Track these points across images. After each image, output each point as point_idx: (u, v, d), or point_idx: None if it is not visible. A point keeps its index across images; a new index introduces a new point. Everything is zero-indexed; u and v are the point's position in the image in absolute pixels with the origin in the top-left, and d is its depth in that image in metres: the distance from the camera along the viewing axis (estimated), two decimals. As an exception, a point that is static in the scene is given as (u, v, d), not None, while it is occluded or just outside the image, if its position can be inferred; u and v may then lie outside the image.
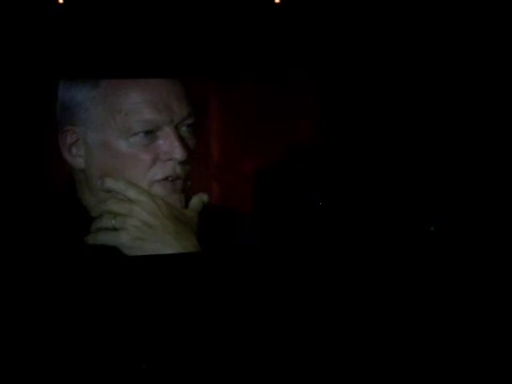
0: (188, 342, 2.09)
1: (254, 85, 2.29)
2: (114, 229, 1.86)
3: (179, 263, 1.99)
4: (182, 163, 1.89)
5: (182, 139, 1.88)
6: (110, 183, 1.89)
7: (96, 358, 1.99)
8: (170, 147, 1.88)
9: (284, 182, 2.36)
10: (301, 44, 2.30)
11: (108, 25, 2.05)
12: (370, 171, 2.47)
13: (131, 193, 1.87)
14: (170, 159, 1.89)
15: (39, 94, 1.98)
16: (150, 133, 1.86)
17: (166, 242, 1.89)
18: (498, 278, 2.39)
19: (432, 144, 2.53)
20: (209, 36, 2.16)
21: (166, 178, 1.90)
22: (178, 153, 1.87)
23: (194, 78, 2.10)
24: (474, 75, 2.49)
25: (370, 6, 2.34)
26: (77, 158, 1.88)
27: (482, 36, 2.45)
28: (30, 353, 1.95)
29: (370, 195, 2.46)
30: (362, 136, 2.49)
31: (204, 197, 1.98)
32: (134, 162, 1.89)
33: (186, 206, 1.95)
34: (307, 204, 2.38)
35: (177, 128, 1.88)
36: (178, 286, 2.08)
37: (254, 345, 2.14)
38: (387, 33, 2.41)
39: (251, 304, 2.17)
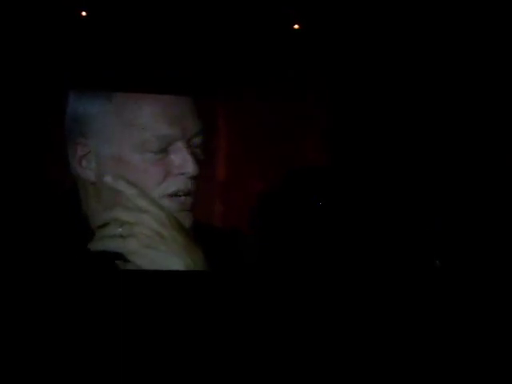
0: (187, 353, 2.12)
1: (261, 106, 2.31)
2: (121, 236, 1.87)
3: (179, 280, 2.01)
4: (194, 178, 1.90)
5: (194, 155, 1.89)
6: (122, 186, 1.88)
7: (96, 367, 2.02)
8: (182, 162, 1.87)
9: (287, 202, 2.37)
10: (315, 67, 2.32)
11: (125, 40, 2.08)
12: (376, 194, 2.48)
13: (143, 202, 1.87)
14: (182, 173, 1.89)
15: (49, 104, 2.00)
16: (164, 148, 1.87)
17: (175, 253, 1.87)
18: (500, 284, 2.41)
19: (434, 158, 2.53)
20: (225, 57, 2.19)
21: (176, 193, 1.91)
22: (190, 167, 1.87)
23: (206, 96, 2.11)
24: (474, 81, 2.50)
25: (385, 31, 2.36)
26: (87, 171, 1.88)
27: (482, 37, 2.45)
28: (30, 360, 1.97)
29: (374, 219, 2.46)
30: (367, 158, 2.50)
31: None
32: (146, 176, 1.89)
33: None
34: (310, 222, 2.40)
35: (188, 143, 1.90)
36: (176, 302, 2.11)
37: (254, 358, 2.17)
38: (397, 54, 2.43)
39: (249, 323, 2.20)
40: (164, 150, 1.90)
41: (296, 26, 2.18)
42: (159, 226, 1.88)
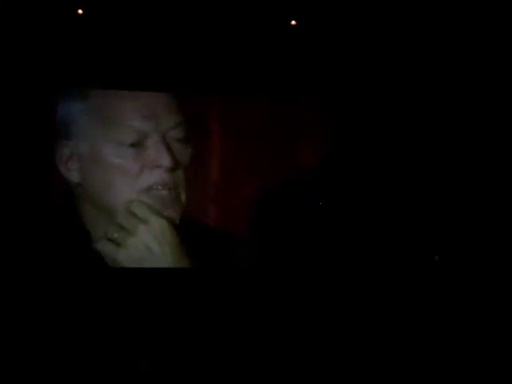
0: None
1: (256, 108, 2.31)
2: (116, 243, 1.90)
3: (168, 278, 2.03)
4: (170, 171, 1.93)
5: (169, 147, 1.92)
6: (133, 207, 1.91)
7: (92, 358, 2.04)
8: (157, 154, 1.93)
9: (287, 202, 2.37)
10: (313, 68, 2.31)
11: (119, 39, 2.09)
12: (374, 201, 2.48)
13: (143, 211, 1.90)
14: (158, 166, 1.93)
15: (45, 110, 2.02)
16: (138, 143, 1.91)
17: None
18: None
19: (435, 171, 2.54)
20: (220, 55, 2.19)
21: (153, 187, 1.94)
22: (165, 158, 1.92)
23: (201, 97, 2.12)
24: (474, 82, 2.49)
25: (386, 35, 2.35)
26: (71, 172, 1.93)
27: (481, 38, 2.45)
28: (31, 362, 1.99)
29: (375, 226, 2.46)
30: (366, 158, 2.50)
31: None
32: (122, 172, 1.93)
33: (183, 218, 1.99)
34: (310, 221, 2.40)
35: (164, 137, 1.93)
36: (164, 302, 2.12)
37: (251, 355, 2.18)
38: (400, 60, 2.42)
39: (244, 321, 2.21)
40: (139, 144, 1.96)
41: (293, 22, 2.17)
42: (152, 241, 1.91)
